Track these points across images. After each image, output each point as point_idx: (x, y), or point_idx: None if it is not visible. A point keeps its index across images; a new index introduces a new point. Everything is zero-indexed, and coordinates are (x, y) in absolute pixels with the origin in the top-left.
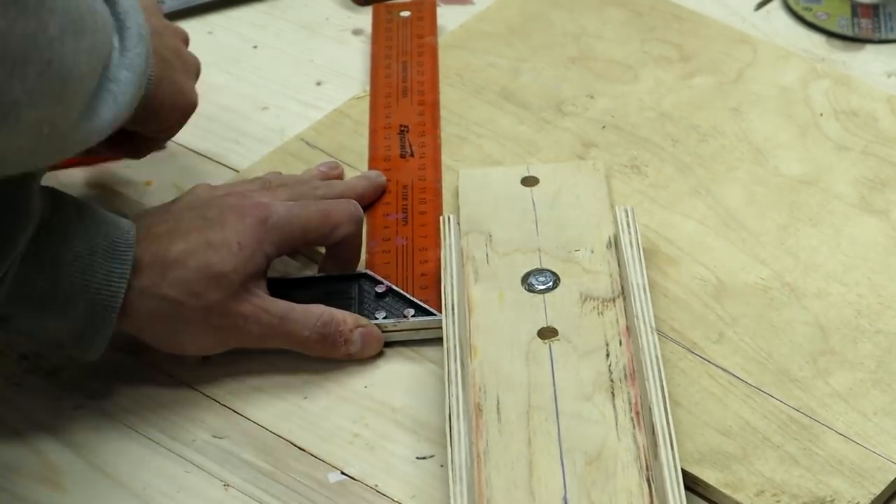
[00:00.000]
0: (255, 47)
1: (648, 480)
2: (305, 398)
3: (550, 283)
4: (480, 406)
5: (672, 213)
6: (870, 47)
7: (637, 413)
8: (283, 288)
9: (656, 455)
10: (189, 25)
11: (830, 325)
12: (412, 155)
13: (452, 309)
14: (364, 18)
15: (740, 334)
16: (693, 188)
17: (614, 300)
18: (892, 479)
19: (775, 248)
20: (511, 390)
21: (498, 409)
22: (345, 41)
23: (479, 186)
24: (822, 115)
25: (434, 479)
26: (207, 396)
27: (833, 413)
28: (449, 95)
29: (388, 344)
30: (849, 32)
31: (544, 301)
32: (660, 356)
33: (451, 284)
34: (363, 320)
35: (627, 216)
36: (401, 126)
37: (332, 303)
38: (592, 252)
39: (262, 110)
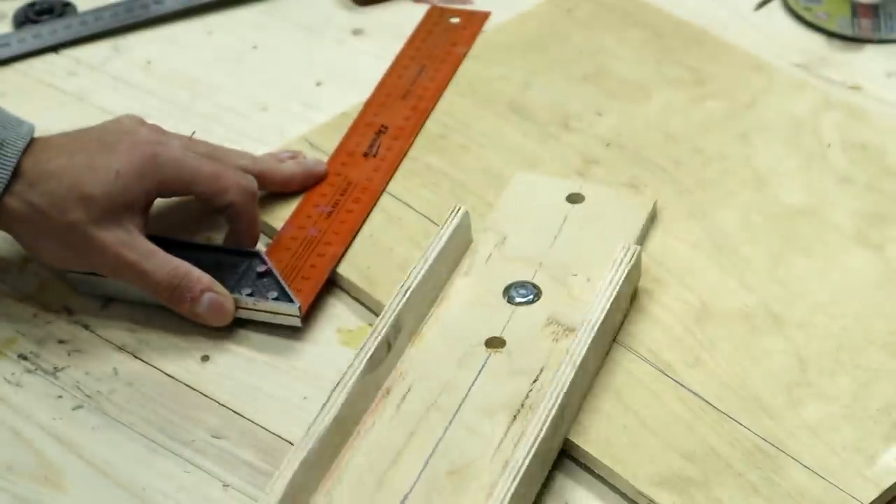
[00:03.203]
0: (254, 47)
1: None
2: (305, 398)
3: (530, 298)
4: (390, 390)
5: (666, 234)
6: (870, 47)
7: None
8: (178, 247)
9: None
10: (189, 25)
11: (810, 356)
12: (374, 156)
13: (405, 293)
14: (364, 18)
15: (717, 359)
16: (690, 211)
17: (576, 331)
18: None
19: (764, 276)
20: (427, 385)
21: (404, 397)
22: (344, 42)
23: (526, 191)
24: (829, 146)
25: None
26: (207, 396)
27: (801, 445)
28: (457, 105)
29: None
30: (849, 32)
31: (512, 313)
32: (562, 395)
33: (419, 271)
34: (218, 287)
35: (626, 254)
36: (381, 126)
37: (218, 272)
38: (588, 280)
39: (262, 110)
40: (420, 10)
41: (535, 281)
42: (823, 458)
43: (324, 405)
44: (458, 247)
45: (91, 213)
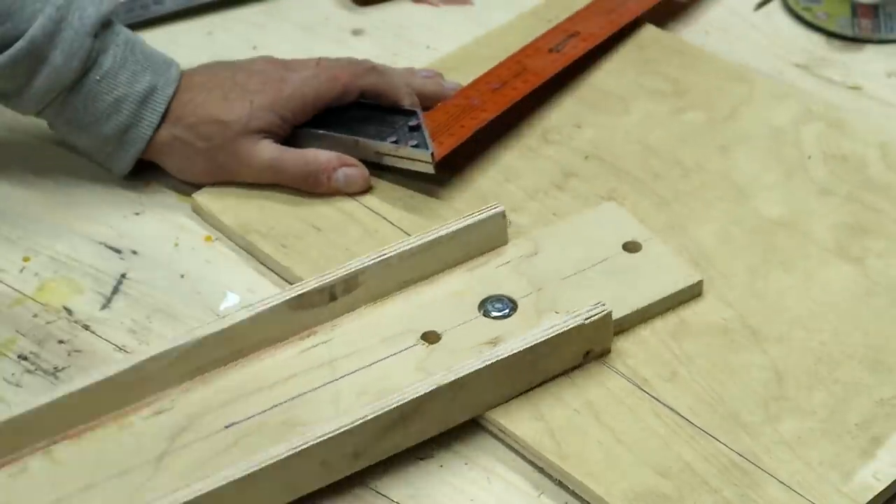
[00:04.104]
0: (254, 47)
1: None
2: None
3: (505, 313)
4: (312, 334)
5: None
6: (870, 47)
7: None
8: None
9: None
10: (189, 25)
11: (787, 371)
12: (558, 52)
13: (374, 258)
14: (364, 18)
15: (693, 374)
16: (668, 224)
17: None
18: None
19: (743, 290)
20: (345, 344)
21: (315, 346)
22: (344, 41)
23: (598, 219)
24: (810, 157)
25: (434, 479)
26: None
27: (777, 460)
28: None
29: None
30: (849, 32)
31: (471, 319)
32: (398, 405)
33: (401, 246)
34: (349, 160)
35: (590, 311)
36: (575, 31)
37: (368, 126)
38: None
39: None
40: (420, 11)
41: (521, 303)
42: (800, 473)
43: (221, 317)
44: (479, 242)
45: (228, 134)
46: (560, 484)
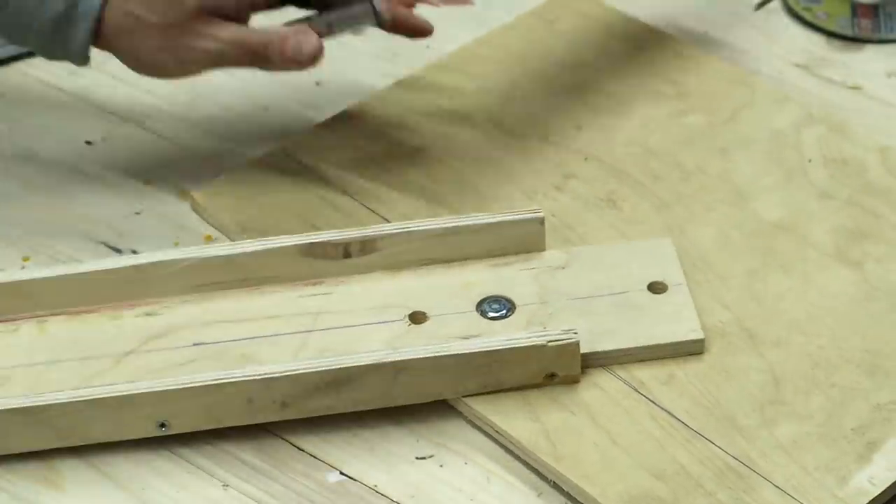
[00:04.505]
0: None
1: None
2: None
3: (502, 313)
4: (319, 284)
5: None
6: (870, 47)
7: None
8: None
9: None
10: None
11: (784, 375)
12: None
13: (396, 228)
14: None
15: (690, 377)
16: (667, 226)
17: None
18: None
19: (740, 293)
20: (340, 301)
21: (315, 295)
22: (345, 41)
23: (643, 251)
24: (810, 161)
25: (433, 479)
26: None
27: (773, 465)
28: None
29: None
30: (849, 32)
31: (465, 311)
32: (331, 368)
33: (423, 226)
34: (303, 28)
35: (557, 335)
36: None
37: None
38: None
39: (262, 110)
40: (420, 10)
41: (519, 310)
42: (796, 478)
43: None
44: (510, 241)
45: (184, 13)
46: (557, 485)
